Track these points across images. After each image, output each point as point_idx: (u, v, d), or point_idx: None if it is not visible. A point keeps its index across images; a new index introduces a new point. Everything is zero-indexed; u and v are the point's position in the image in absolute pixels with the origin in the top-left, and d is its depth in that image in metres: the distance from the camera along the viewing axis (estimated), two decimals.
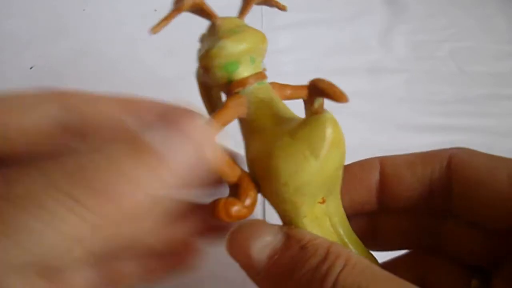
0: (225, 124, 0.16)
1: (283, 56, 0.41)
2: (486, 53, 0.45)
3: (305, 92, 0.16)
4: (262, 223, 0.16)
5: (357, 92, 0.41)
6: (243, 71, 0.17)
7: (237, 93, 0.17)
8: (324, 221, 0.17)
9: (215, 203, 0.15)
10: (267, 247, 0.15)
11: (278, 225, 0.16)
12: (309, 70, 0.39)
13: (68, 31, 0.43)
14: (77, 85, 0.43)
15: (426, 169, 0.19)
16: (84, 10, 0.45)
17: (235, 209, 0.15)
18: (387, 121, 0.37)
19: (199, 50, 0.18)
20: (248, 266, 0.15)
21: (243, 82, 0.17)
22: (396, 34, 0.46)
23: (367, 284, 0.13)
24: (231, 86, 0.17)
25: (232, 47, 0.16)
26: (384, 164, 0.20)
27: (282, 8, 0.18)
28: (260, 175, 0.16)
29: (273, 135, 0.16)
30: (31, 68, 0.40)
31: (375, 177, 0.20)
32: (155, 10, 0.45)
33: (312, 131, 0.15)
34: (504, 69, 0.43)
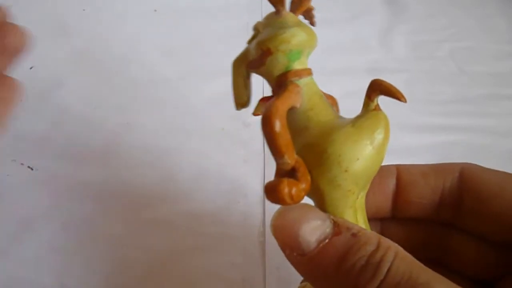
0: (288, 108, 0.17)
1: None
2: (486, 53, 0.45)
3: (330, 101, 0.18)
4: (311, 207, 0.16)
5: (357, 92, 0.41)
6: (300, 63, 0.18)
7: (292, 82, 0.17)
8: (359, 215, 0.17)
9: (277, 182, 0.15)
10: (317, 230, 0.15)
11: (325, 213, 0.16)
12: None
13: (68, 31, 0.43)
14: (77, 85, 0.43)
15: (439, 179, 0.20)
16: (84, 10, 0.45)
17: (295, 190, 0.15)
18: None
19: (258, 34, 0.18)
20: (294, 246, 0.15)
21: (301, 72, 0.17)
22: (396, 34, 0.46)
23: (418, 274, 0.13)
24: (289, 74, 0.17)
25: (302, 37, 0.17)
26: (401, 171, 0.21)
27: (312, 23, 0.19)
28: (316, 161, 0.16)
29: (332, 124, 0.17)
30: (31, 68, 0.40)
31: (392, 183, 0.21)
32: (155, 10, 0.45)
33: (374, 124, 0.16)
34: (504, 69, 0.43)
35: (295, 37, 0.17)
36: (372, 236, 0.15)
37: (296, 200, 0.16)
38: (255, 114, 0.18)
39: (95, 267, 0.30)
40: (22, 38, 0.24)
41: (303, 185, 0.16)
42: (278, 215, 0.16)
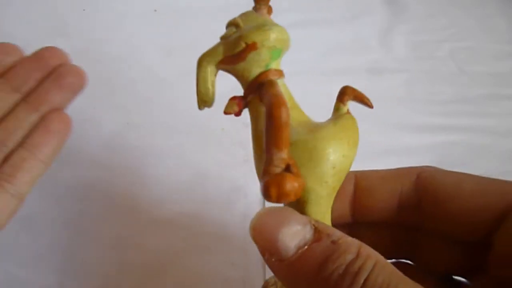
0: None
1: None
2: (486, 53, 0.45)
3: None
4: (291, 211, 0.16)
5: None
6: (277, 64, 0.18)
7: (273, 80, 0.17)
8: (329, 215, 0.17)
9: (281, 177, 0.15)
10: (296, 236, 0.15)
11: (306, 216, 0.16)
12: (309, 70, 0.39)
13: (68, 31, 0.43)
14: None
15: (397, 183, 0.20)
16: (84, 10, 0.45)
17: (297, 185, 0.15)
18: (387, 121, 0.37)
19: (239, 29, 0.18)
20: (273, 251, 0.15)
21: (280, 72, 0.17)
22: (396, 34, 0.46)
23: (396, 284, 0.13)
24: (270, 73, 0.17)
25: (286, 35, 0.18)
26: (359, 177, 0.21)
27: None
28: (306, 158, 0.16)
29: (314, 123, 0.17)
30: None
31: (350, 189, 0.21)
32: (155, 10, 0.45)
33: (352, 124, 0.17)
34: (504, 69, 0.43)
35: (280, 34, 0.17)
36: (352, 244, 0.15)
37: (297, 196, 0.15)
38: (226, 112, 0.18)
39: (95, 267, 0.30)
40: (80, 78, 0.26)
41: (302, 180, 0.16)
42: (258, 218, 0.16)
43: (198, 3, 0.46)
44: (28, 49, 0.42)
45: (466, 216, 0.18)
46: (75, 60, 0.42)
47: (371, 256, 0.14)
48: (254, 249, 0.30)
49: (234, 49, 0.17)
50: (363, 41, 0.45)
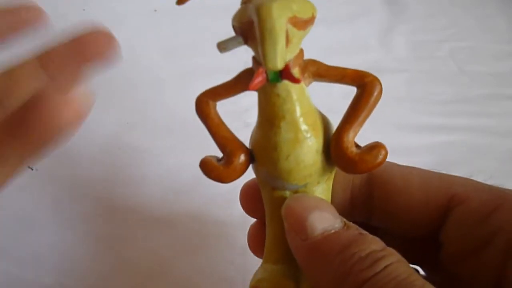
0: None
1: None
2: (486, 53, 0.45)
3: None
4: (327, 202, 0.17)
5: None
6: None
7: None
8: None
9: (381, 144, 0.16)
10: (326, 221, 0.15)
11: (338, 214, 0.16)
12: None
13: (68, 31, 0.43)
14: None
15: (348, 177, 0.20)
16: (84, 10, 0.45)
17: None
18: (387, 121, 0.37)
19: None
20: (299, 229, 0.15)
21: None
22: (396, 34, 0.46)
23: (415, 278, 0.13)
24: (301, 53, 0.16)
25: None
26: None
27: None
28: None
29: None
30: None
31: None
32: (155, 10, 0.45)
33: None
34: (504, 69, 0.43)
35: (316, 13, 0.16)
36: (378, 240, 0.15)
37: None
38: (295, 80, 0.15)
39: (95, 267, 0.30)
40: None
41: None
42: (294, 198, 0.16)
43: (198, 3, 0.46)
44: (28, 50, 0.42)
45: (412, 211, 0.18)
46: None
47: (395, 253, 0.14)
48: None
49: (305, 14, 0.15)
50: (363, 41, 0.45)
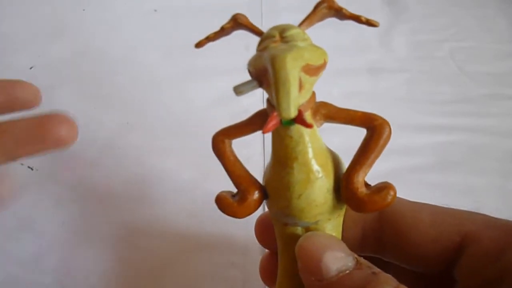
0: None
1: None
2: (486, 53, 0.45)
3: None
4: (337, 240, 0.17)
5: (357, 92, 0.41)
6: None
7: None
8: None
9: (390, 186, 0.16)
10: (339, 261, 0.16)
11: (350, 250, 0.17)
12: None
13: (68, 31, 0.43)
14: (77, 85, 0.43)
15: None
16: (84, 10, 0.45)
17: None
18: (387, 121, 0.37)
19: (308, 41, 0.16)
20: (314, 270, 0.16)
21: None
22: (396, 34, 0.46)
23: None
24: (313, 97, 0.17)
25: None
26: None
27: (373, 24, 0.18)
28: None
29: None
30: (31, 68, 0.40)
31: None
32: (155, 10, 0.45)
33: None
34: (504, 69, 0.43)
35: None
36: (391, 278, 0.15)
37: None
38: (309, 125, 0.16)
39: (95, 267, 0.30)
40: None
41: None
42: (306, 238, 0.17)
43: (198, 3, 0.46)
44: (28, 49, 0.42)
45: (424, 249, 0.19)
46: (75, 60, 0.42)
47: None
48: (254, 249, 0.30)
49: (317, 61, 0.15)
50: (363, 41, 0.45)
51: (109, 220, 0.32)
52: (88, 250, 0.30)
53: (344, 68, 0.41)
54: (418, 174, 0.34)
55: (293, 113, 0.14)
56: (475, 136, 0.37)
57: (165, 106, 0.38)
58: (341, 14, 0.17)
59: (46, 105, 0.39)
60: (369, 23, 0.17)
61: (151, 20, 0.45)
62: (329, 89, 0.38)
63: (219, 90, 0.37)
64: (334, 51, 0.42)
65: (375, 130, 0.17)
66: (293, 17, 0.45)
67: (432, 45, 0.45)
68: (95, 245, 0.31)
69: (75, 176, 0.34)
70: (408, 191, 0.35)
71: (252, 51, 0.17)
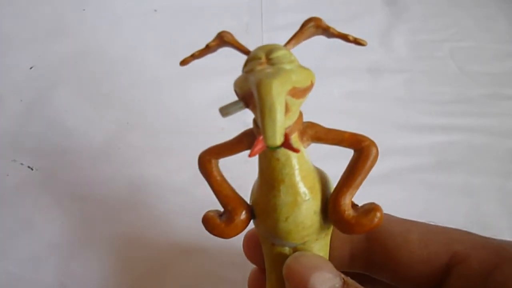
0: None
1: None
2: (486, 53, 0.45)
3: None
4: (325, 260, 0.17)
5: (357, 92, 0.41)
6: None
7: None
8: None
9: (377, 207, 0.16)
10: (327, 282, 0.16)
11: (337, 271, 0.17)
12: None
13: (68, 31, 0.43)
14: (77, 85, 0.43)
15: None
16: (84, 10, 0.45)
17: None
18: (387, 121, 0.37)
19: (295, 63, 0.16)
20: None
21: None
22: (396, 34, 0.46)
23: None
24: (300, 118, 0.17)
25: None
26: None
27: (360, 43, 0.17)
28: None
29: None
30: (31, 68, 0.40)
31: None
32: (155, 10, 0.45)
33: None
34: (504, 69, 0.43)
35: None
36: None
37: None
38: (296, 150, 0.16)
39: (95, 267, 0.30)
40: None
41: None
42: (294, 258, 0.17)
43: (198, 3, 0.46)
44: (28, 49, 0.42)
45: (413, 268, 0.19)
46: (75, 60, 0.42)
47: None
48: None
49: (304, 83, 0.15)
50: None
51: (109, 220, 0.32)
52: (88, 250, 0.30)
53: (343, 68, 0.41)
54: (418, 174, 0.34)
55: (278, 141, 0.13)
56: (475, 136, 0.37)
57: (165, 106, 0.38)
58: (328, 33, 0.17)
59: (46, 105, 0.39)
60: (357, 42, 0.16)
61: (151, 20, 0.45)
62: (329, 89, 0.38)
63: (219, 90, 0.37)
64: (334, 51, 0.42)
65: (362, 151, 0.17)
66: (292, 17, 0.45)
67: (432, 45, 0.45)
68: (95, 245, 0.31)
69: (75, 176, 0.34)
70: (408, 191, 0.35)
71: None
